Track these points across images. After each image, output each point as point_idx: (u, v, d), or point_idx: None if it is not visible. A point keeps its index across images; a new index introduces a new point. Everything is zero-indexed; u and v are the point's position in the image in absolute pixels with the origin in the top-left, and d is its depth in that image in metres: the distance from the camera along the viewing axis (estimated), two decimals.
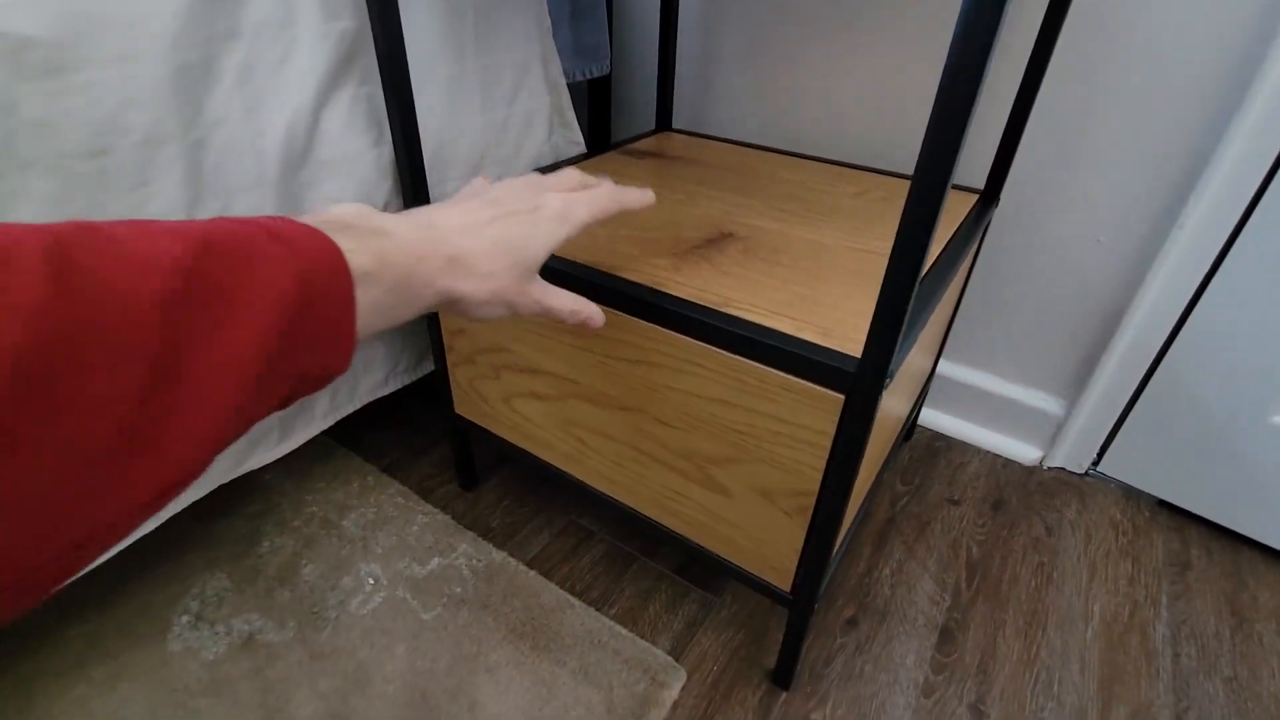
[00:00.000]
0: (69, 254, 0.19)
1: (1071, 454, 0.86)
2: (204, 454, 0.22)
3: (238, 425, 0.23)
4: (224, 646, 0.62)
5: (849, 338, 0.45)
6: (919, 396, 0.83)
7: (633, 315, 0.50)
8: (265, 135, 0.51)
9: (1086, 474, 0.87)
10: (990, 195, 0.73)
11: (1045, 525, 0.80)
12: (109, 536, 0.20)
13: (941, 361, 0.91)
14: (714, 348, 0.47)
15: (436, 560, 0.71)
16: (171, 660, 0.60)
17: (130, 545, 0.61)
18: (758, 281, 0.52)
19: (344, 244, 0.27)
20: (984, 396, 0.90)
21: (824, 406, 0.44)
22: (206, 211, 0.50)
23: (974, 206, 0.70)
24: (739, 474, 0.51)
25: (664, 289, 0.50)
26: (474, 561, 0.71)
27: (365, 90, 0.56)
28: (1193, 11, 0.62)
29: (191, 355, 0.21)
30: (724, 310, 0.48)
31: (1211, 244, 0.67)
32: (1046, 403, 0.87)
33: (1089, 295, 0.79)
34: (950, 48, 0.30)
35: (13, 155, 0.40)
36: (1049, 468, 0.88)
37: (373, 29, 0.52)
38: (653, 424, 0.54)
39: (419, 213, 0.35)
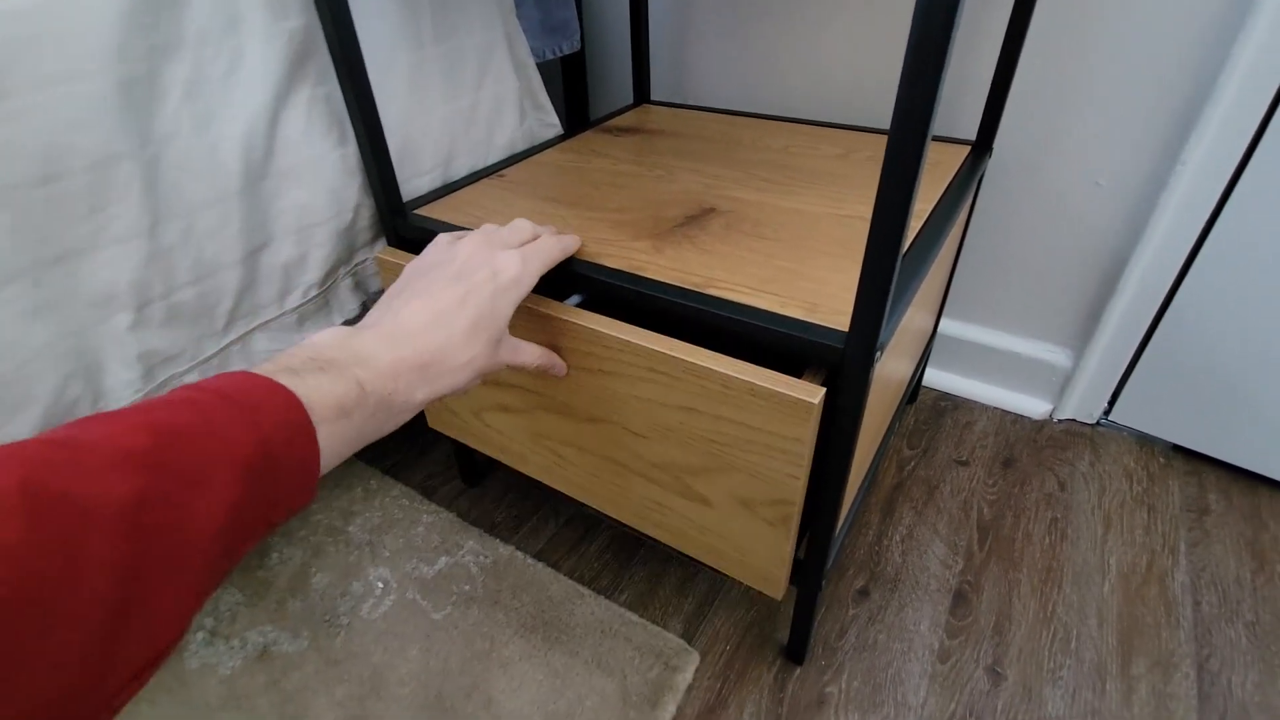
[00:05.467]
0: (42, 482, 0.20)
1: (1082, 405, 0.84)
2: (178, 631, 0.23)
3: (208, 591, 0.24)
4: (240, 660, 0.62)
5: (837, 311, 0.44)
6: (921, 357, 0.81)
7: (608, 306, 0.49)
8: (221, 147, 0.49)
9: (1098, 424, 0.85)
10: (983, 146, 0.70)
11: (1058, 480, 0.78)
12: None
13: (943, 319, 0.89)
14: (672, 353, 0.43)
15: (444, 559, 0.71)
16: (190, 678, 0.61)
17: None
18: (742, 258, 0.50)
19: (324, 384, 0.29)
20: (989, 352, 0.88)
21: (795, 412, 0.40)
22: (171, 231, 0.48)
23: (966, 159, 0.67)
24: (717, 484, 0.48)
25: (644, 273, 0.49)
26: (481, 558, 0.71)
27: (323, 90, 0.54)
28: None
29: (159, 551, 0.22)
30: (705, 291, 0.46)
31: (1216, 180, 0.64)
32: (1053, 354, 0.85)
33: (1091, 242, 0.76)
34: None
35: None
36: (1059, 420, 0.86)
37: (323, 24, 0.50)
38: (624, 434, 0.50)
39: (391, 315, 0.37)
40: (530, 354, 0.45)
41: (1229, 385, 0.73)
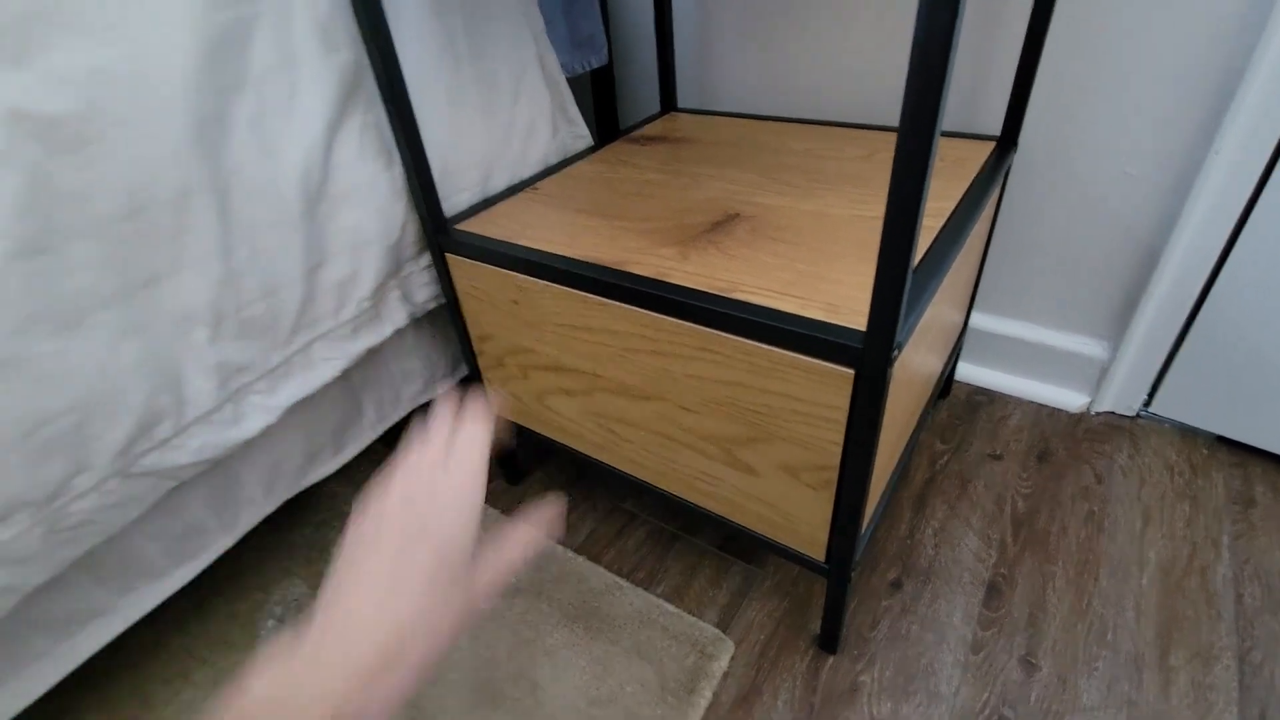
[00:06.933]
0: None
1: (1120, 397, 0.83)
2: None
3: None
4: None
5: (856, 311, 0.45)
6: (952, 352, 0.82)
7: (643, 308, 0.52)
8: (282, 174, 0.54)
9: (1138, 416, 0.84)
10: (1008, 140, 0.70)
11: (1095, 473, 0.78)
12: None
13: (976, 314, 0.89)
14: (722, 333, 0.48)
15: None
16: None
17: (218, 558, 0.66)
18: (765, 262, 0.52)
19: None
20: (1022, 346, 0.87)
21: (835, 382, 0.44)
22: (240, 254, 0.53)
23: (991, 154, 0.68)
24: (762, 453, 0.52)
25: (670, 279, 0.51)
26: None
27: (372, 117, 0.59)
28: None
29: None
30: (731, 296, 0.48)
31: (1253, 166, 0.63)
32: (1089, 346, 0.84)
33: (1124, 231, 0.75)
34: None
35: (55, 228, 0.44)
36: (1097, 413, 0.86)
37: (369, 55, 0.54)
38: (675, 410, 0.56)
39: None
40: (511, 551, 0.32)
41: (1276, 373, 0.72)
